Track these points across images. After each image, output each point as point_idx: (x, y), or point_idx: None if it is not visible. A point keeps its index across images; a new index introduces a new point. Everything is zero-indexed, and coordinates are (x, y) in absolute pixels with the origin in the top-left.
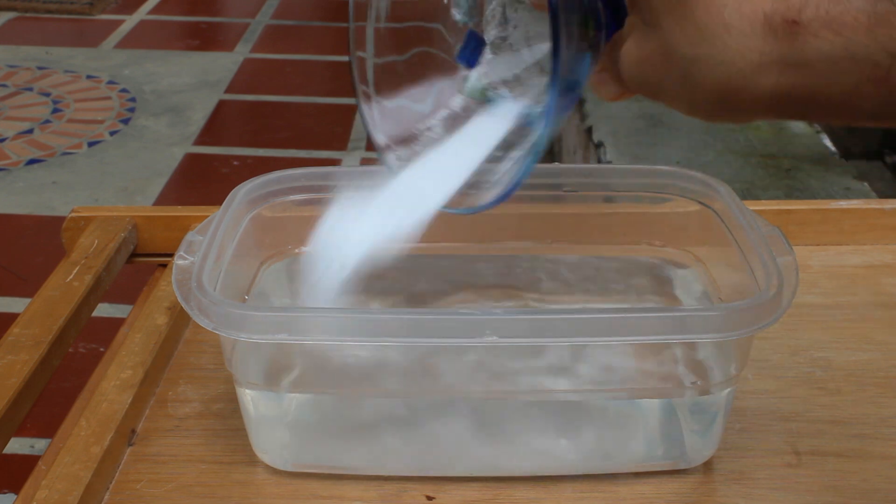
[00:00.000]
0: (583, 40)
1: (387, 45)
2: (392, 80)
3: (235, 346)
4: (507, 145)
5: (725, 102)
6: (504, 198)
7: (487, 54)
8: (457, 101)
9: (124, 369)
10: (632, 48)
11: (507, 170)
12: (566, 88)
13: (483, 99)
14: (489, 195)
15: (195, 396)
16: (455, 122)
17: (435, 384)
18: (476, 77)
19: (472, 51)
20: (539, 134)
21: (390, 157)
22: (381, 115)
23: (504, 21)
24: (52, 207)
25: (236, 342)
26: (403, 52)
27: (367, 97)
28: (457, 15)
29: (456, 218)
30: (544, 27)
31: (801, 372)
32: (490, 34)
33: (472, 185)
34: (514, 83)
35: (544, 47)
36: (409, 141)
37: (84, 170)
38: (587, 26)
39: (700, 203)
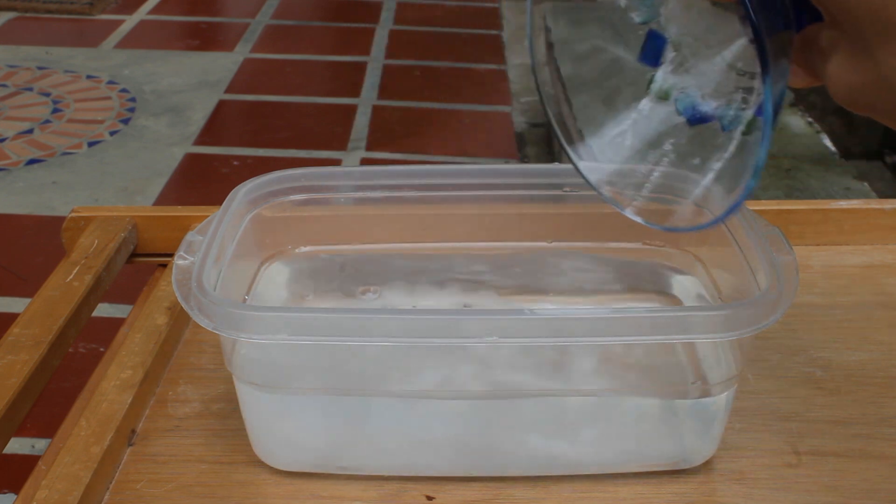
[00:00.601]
0: (783, 51)
1: (574, 68)
2: (583, 98)
3: (235, 346)
4: (699, 148)
5: None
6: (720, 221)
7: (670, 52)
8: (645, 104)
9: (124, 369)
10: (842, 72)
11: (713, 187)
12: (777, 102)
13: (670, 99)
14: (703, 216)
15: (195, 396)
16: (644, 125)
17: (435, 384)
18: (661, 77)
19: (655, 50)
20: (759, 157)
21: (592, 176)
22: (579, 138)
23: (684, 16)
24: (52, 207)
25: (236, 342)
26: (588, 68)
27: (566, 130)
28: (636, 18)
29: (455, 218)
30: (724, 19)
31: (801, 372)
32: (670, 31)
33: (669, 193)
34: (701, 80)
35: (731, 41)
36: (606, 151)
37: (84, 170)
38: (785, 32)
39: (699, 203)
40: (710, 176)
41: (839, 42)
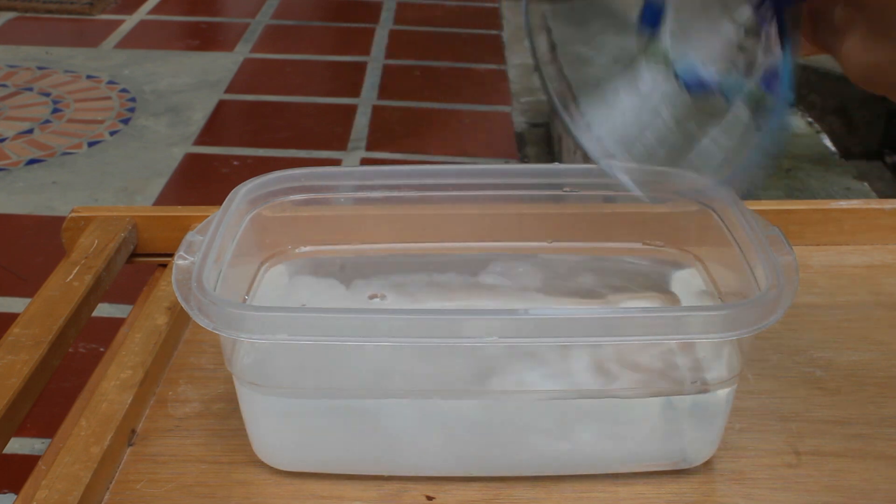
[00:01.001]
0: (797, 22)
1: (573, 31)
2: (581, 65)
3: (235, 346)
4: (696, 114)
5: None
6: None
7: (669, 15)
8: (643, 70)
9: (124, 369)
10: (858, 51)
11: (714, 157)
12: (792, 74)
13: (668, 63)
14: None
15: (195, 396)
16: (643, 89)
17: (435, 384)
18: (660, 41)
19: (653, 13)
20: (769, 141)
21: (589, 142)
22: (577, 106)
23: None
24: (52, 207)
25: (236, 342)
26: (594, 70)
27: (563, 99)
28: None
29: (455, 218)
30: None
31: (801, 372)
32: None
33: (670, 161)
34: (700, 45)
35: (732, 6)
36: (605, 114)
37: (84, 170)
38: (798, 2)
39: (700, 203)
40: (706, 141)
41: (855, 20)
